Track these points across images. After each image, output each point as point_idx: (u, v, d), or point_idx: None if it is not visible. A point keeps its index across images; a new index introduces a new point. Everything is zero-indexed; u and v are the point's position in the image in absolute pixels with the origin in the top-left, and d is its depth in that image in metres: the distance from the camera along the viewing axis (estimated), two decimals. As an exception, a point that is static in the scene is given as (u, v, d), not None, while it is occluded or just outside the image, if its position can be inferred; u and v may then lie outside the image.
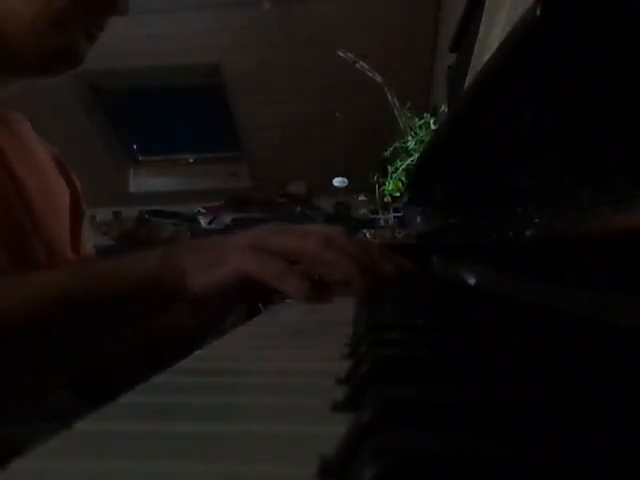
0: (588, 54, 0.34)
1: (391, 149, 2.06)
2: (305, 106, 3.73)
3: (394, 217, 2.36)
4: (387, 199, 2.17)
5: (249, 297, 0.65)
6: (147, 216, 3.25)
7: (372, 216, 2.65)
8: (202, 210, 3.47)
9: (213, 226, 3.29)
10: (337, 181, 3.25)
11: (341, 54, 2.24)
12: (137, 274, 0.54)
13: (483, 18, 0.72)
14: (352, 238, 0.56)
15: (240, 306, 0.69)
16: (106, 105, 4.09)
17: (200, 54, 3.64)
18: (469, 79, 0.74)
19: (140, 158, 4.50)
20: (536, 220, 0.44)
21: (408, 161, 1.93)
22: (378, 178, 2.30)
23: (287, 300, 0.61)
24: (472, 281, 0.72)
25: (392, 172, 2.03)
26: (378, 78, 2.15)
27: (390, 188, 2.05)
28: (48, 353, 0.56)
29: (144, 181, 4.49)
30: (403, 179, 1.95)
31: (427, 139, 1.81)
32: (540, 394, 0.20)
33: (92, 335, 0.57)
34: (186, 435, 0.18)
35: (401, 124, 2.01)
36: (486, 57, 0.58)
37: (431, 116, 2.01)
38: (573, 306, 0.40)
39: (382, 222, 2.47)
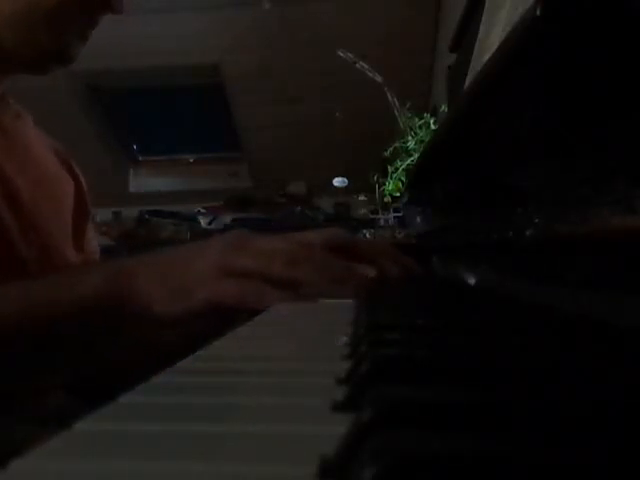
0: (588, 54, 0.34)
1: (391, 149, 2.07)
2: (305, 106, 3.73)
3: (394, 217, 2.37)
4: (387, 199, 2.17)
5: (224, 316, 0.65)
6: (147, 216, 3.25)
7: (372, 216, 2.66)
8: (202, 210, 3.47)
9: (213, 226, 3.30)
10: (337, 181, 3.26)
11: (341, 54, 2.24)
12: (73, 297, 0.51)
13: (483, 18, 0.72)
14: (357, 237, 0.55)
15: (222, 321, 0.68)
16: (106, 105, 4.09)
17: (200, 54, 3.64)
18: (469, 79, 0.74)
19: (140, 158, 4.50)
20: (536, 220, 0.44)
21: (408, 161, 1.93)
22: (378, 178, 2.30)
23: None
24: (472, 281, 0.72)
25: (392, 172, 2.03)
26: (378, 78, 2.15)
27: (390, 188, 2.05)
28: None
29: (144, 181, 4.49)
30: (403, 179, 1.96)
31: (427, 139, 1.82)
32: (540, 394, 0.20)
33: (45, 355, 0.54)
34: (186, 435, 0.18)
35: (401, 124, 2.02)
36: (486, 57, 0.58)
37: (431, 116, 2.01)
38: (573, 306, 0.40)
39: (382, 222, 2.47)
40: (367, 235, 2.34)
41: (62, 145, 0.83)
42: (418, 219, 1.17)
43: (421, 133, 1.95)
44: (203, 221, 3.39)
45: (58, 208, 0.73)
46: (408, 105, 2.08)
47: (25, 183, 0.67)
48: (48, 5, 0.60)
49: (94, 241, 0.82)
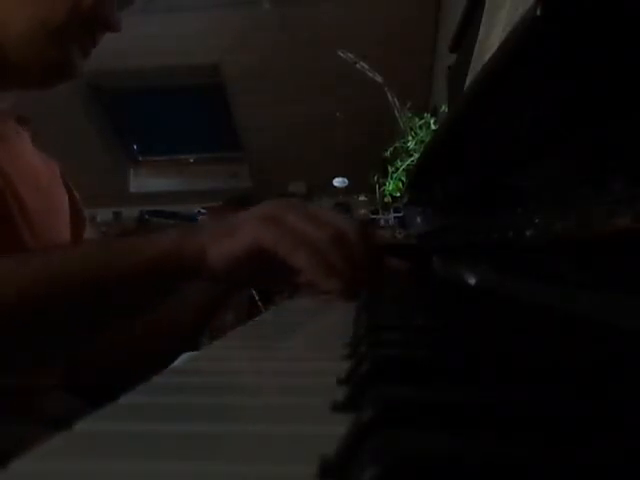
0: (588, 54, 0.34)
1: (391, 149, 2.07)
2: (305, 106, 3.74)
3: (394, 217, 2.37)
4: (387, 199, 2.17)
5: (264, 275, 0.65)
6: (147, 216, 3.25)
7: (372, 216, 2.66)
8: (202, 210, 3.47)
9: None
10: (337, 181, 3.26)
11: (341, 54, 2.24)
12: (153, 252, 0.53)
13: (483, 18, 0.72)
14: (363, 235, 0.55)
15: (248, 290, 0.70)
16: (106, 105, 4.09)
17: (200, 54, 3.64)
18: (469, 79, 0.74)
19: (140, 158, 4.50)
20: (536, 220, 0.44)
21: (408, 161, 1.93)
22: (378, 178, 2.30)
23: (287, 300, 0.61)
24: (472, 281, 0.72)
25: (392, 172, 2.03)
26: (378, 78, 2.15)
27: (390, 188, 2.05)
28: (44, 343, 0.54)
29: (144, 181, 4.49)
30: (403, 179, 1.96)
31: (427, 139, 1.81)
32: (540, 394, 0.20)
33: (96, 320, 0.56)
34: (186, 435, 0.18)
35: (401, 124, 2.02)
36: (486, 57, 0.58)
37: (431, 116, 2.01)
38: (573, 306, 0.40)
39: (382, 222, 2.47)
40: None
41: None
42: (418, 219, 1.17)
43: (421, 133, 1.95)
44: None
45: (55, 216, 0.74)
46: (408, 105, 2.07)
47: (27, 191, 0.68)
48: (56, 22, 0.63)
49: None
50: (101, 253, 0.55)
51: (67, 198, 0.80)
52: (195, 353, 0.37)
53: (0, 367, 0.52)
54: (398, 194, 2.04)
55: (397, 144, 2.03)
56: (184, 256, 0.53)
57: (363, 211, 3.02)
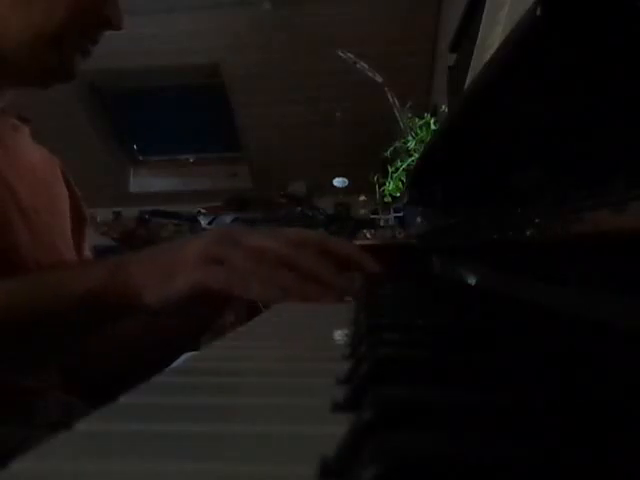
0: (588, 54, 0.34)
1: (391, 149, 2.06)
2: (305, 106, 3.74)
3: (394, 217, 2.36)
4: (387, 199, 2.16)
5: (215, 307, 0.66)
6: (147, 216, 3.25)
7: (372, 216, 2.65)
8: (202, 210, 3.46)
9: (213, 226, 3.29)
10: (337, 181, 3.25)
11: (341, 54, 2.24)
12: (79, 288, 0.53)
13: (483, 18, 0.72)
14: (329, 239, 0.56)
15: (230, 305, 0.70)
16: (106, 105, 4.09)
17: (200, 54, 3.64)
18: (469, 79, 0.74)
19: (140, 158, 4.50)
20: (536, 220, 0.44)
21: (408, 161, 1.93)
22: (378, 178, 2.30)
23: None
24: (472, 281, 0.72)
25: (392, 172, 2.03)
26: (378, 78, 2.15)
27: (390, 188, 2.05)
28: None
29: (144, 181, 4.49)
30: (403, 179, 1.95)
31: (427, 139, 1.81)
32: (540, 394, 0.20)
33: (43, 345, 0.57)
34: (186, 435, 0.18)
35: (401, 124, 2.01)
36: (486, 57, 0.58)
37: (431, 116, 2.00)
38: (573, 306, 0.40)
39: (382, 222, 2.47)
40: (367, 235, 2.34)
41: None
42: (418, 219, 1.17)
43: (421, 133, 1.95)
44: (203, 221, 3.39)
45: (55, 213, 0.74)
46: (408, 105, 2.07)
47: (25, 190, 0.67)
48: (53, 26, 0.63)
49: (87, 252, 0.83)
50: (32, 286, 0.55)
51: (68, 196, 0.80)
52: (195, 353, 0.37)
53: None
54: (398, 194, 2.04)
55: (397, 144, 2.03)
56: (112, 294, 0.53)
57: (363, 211, 3.02)
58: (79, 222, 0.80)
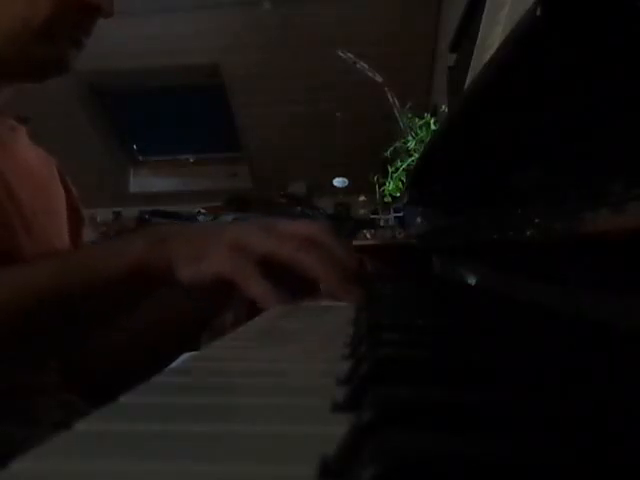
0: (588, 54, 0.34)
1: (391, 149, 2.06)
2: (305, 106, 3.74)
3: (394, 217, 2.36)
4: (387, 199, 2.16)
5: (217, 301, 0.67)
6: (147, 216, 3.25)
7: (372, 216, 2.65)
8: (202, 210, 3.46)
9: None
10: (337, 181, 3.25)
11: (341, 54, 2.24)
12: (119, 264, 0.54)
13: (483, 18, 0.72)
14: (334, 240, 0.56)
15: (232, 303, 0.70)
16: (106, 105, 4.09)
17: (200, 54, 3.64)
18: (469, 79, 0.74)
19: (140, 158, 4.50)
20: (536, 220, 0.44)
21: (408, 161, 1.93)
22: (378, 178, 2.30)
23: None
24: (472, 281, 0.72)
25: (392, 172, 2.03)
26: (378, 78, 2.15)
27: (390, 188, 2.05)
28: (29, 352, 0.56)
29: (144, 181, 4.49)
30: (403, 179, 1.95)
31: (427, 139, 1.81)
32: (540, 394, 0.20)
33: (76, 329, 0.58)
34: (186, 435, 0.18)
35: (401, 124, 2.01)
36: (486, 57, 0.58)
37: (431, 116, 2.00)
38: (573, 306, 0.40)
39: (382, 222, 2.47)
40: (367, 235, 2.34)
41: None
42: (418, 219, 1.17)
43: (421, 133, 1.95)
44: (203, 221, 3.39)
45: (53, 214, 0.74)
46: (408, 105, 2.07)
47: (24, 192, 0.67)
48: (39, 19, 0.62)
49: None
50: (66, 266, 0.56)
51: (65, 196, 0.80)
52: (195, 353, 0.37)
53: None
54: (398, 194, 2.04)
55: (397, 144, 2.03)
56: (151, 269, 0.54)
57: (363, 211, 3.02)
58: (76, 222, 0.80)
